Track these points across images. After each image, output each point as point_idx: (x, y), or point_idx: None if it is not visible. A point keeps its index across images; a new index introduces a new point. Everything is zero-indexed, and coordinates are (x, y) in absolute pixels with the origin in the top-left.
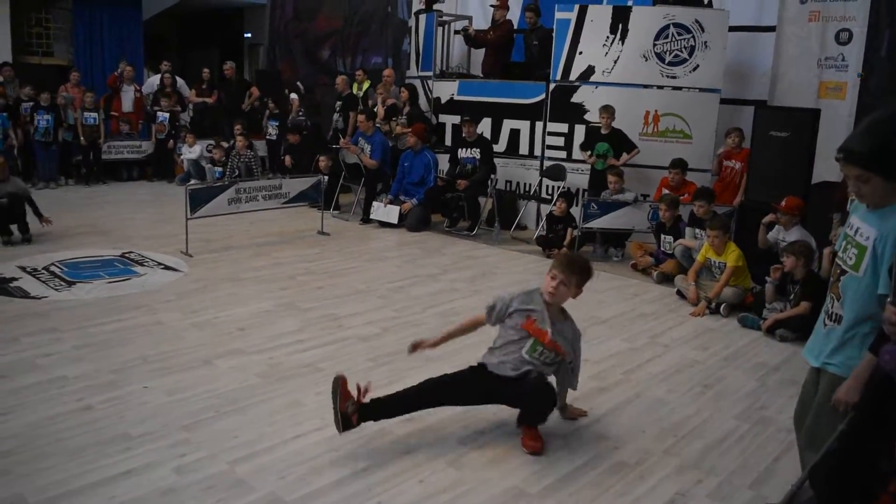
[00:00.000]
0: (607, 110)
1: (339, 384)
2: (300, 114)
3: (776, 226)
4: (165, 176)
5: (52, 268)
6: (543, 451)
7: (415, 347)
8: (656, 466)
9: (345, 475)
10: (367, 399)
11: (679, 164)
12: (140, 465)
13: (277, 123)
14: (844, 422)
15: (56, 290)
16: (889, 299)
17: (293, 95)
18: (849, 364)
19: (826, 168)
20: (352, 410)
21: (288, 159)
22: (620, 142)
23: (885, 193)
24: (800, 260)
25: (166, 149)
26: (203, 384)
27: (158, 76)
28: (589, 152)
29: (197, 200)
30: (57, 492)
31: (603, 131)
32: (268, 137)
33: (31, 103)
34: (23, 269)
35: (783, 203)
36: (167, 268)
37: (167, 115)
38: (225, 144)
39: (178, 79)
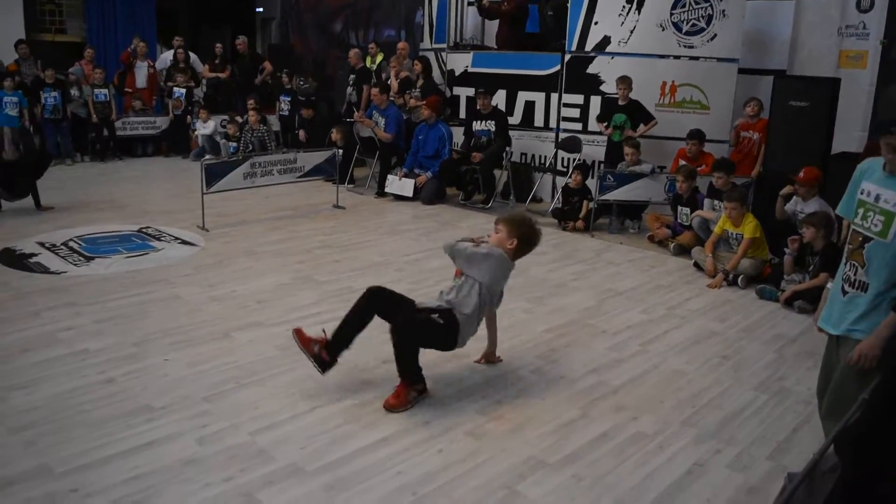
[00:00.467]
0: (624, 81)
1: (297, 336)
2: (301, 84)
3: (794, 197)
4: (180, 151)
5: (71, 243)
6: (400, 409)
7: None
8: (675, 437)
9: (364, 445)
10: (329, 336)
11: (696, 136)
12: (162, 436)
13: (290, 98)
14: (867, 390)
15: (75, 265)
16: None
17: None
18: (870, 328)
19: (845, 138)
20: (318, 349)
21: (302, 133)
22: (638, 113)
23: None
24: (819, 231)
25: (183, 124)
26: (223, 356)
27: (171, 52)
28: (606, 123)
29: (212, 175)
30: (81, 462)
31: (620, 102)
32: (280, 113)
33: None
34: (42, 244)
35: (801, 174)
36: (184, 242)
37: (183, 90)
38: (239, 119)
39: (191, 54)
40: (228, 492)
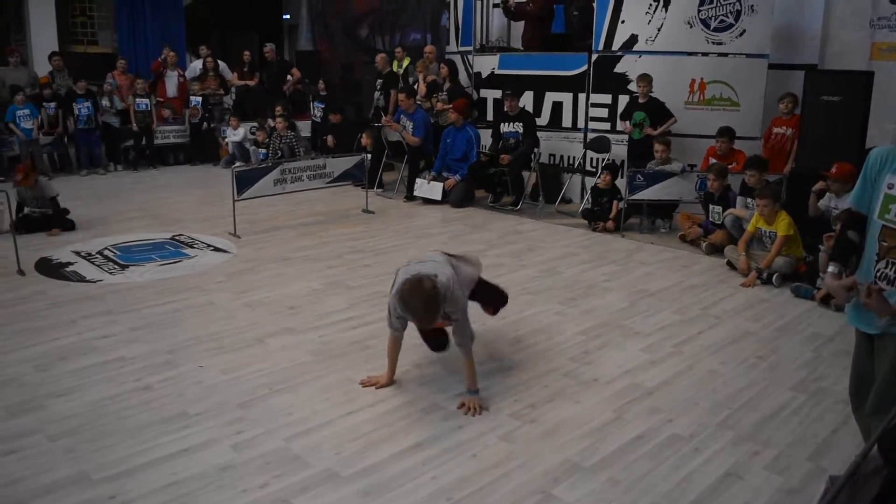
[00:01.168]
0: (644, 79)
1: None
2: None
3: (827, 193)
4: (206, 159)
5: (106, 252)
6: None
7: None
8: (711, 439)
9: (399, 450)
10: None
11: (726, 133)
12: (198, 442)
13: (323, 106)
14: None
15: (110, 273)
16: None
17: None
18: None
19: (879, 133)
20: None
21: (330, 139)
22: (657, 111)
23: None
24: None
25: (201, 132)
26: (256, 363)
27: (201, 61)
28: (628, 121)
29: (243, 182)
30: (119, 469)
31: (640, 100)
32: (313, 119)
33: (81, 93)
34: (77, 253)
35: (833, 170)
36: (216, 249)
37: (199, 98)
38: (271, 122)
39: (219, 62)
40: (264, 498)
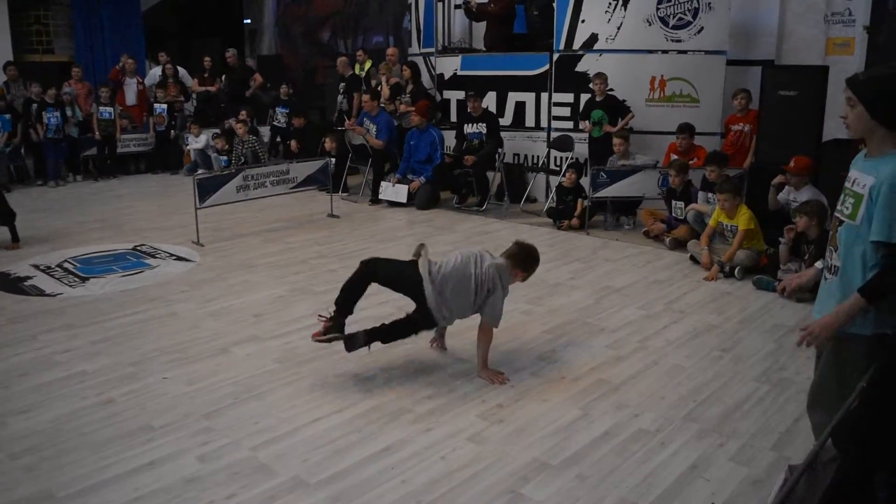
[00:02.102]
0: (600, 77)
1: (317, 338)
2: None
3: (786, 186)
4: (169, 167)
5: (66, 264)
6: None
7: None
8: (677, 432)
9: (367, 455)
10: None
11: (686, 129)
12: (163, 455)
13: (287, 110)
14: (864, 378)
15: (70, 286)
16: None
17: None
18: None
19: (836, 126)
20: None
21: (294, 143)
22: (615, 107)
23: (868, 130)
24: (813, 219)
25: (168, 140)
26: (221, 372)
27: (160, 67)
28: (587, 121)
29: (205, 190)
30: (83, 485)
31: (598, 98)
32: (275, 124)
33: (37, 102)
34: (36, 266)
35: (792, 163)
36: (179, 258)
37: (164, 106)
38: (233, 123)
39: (179, 69)
40: None
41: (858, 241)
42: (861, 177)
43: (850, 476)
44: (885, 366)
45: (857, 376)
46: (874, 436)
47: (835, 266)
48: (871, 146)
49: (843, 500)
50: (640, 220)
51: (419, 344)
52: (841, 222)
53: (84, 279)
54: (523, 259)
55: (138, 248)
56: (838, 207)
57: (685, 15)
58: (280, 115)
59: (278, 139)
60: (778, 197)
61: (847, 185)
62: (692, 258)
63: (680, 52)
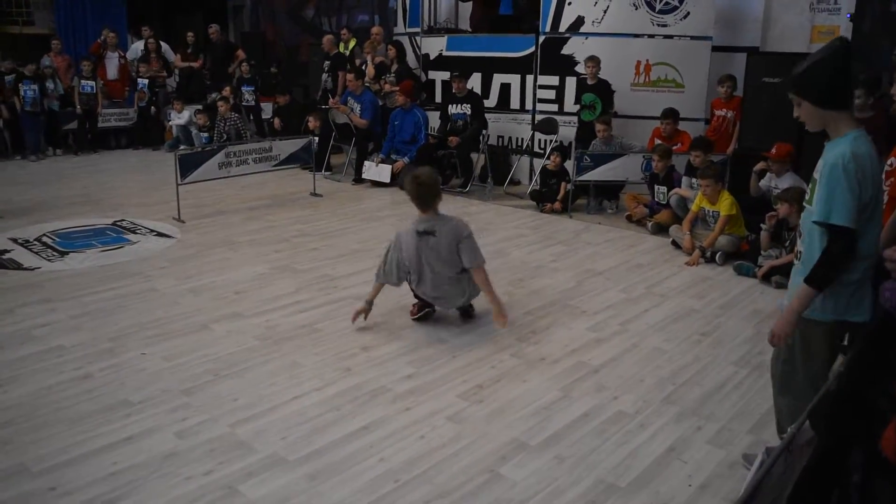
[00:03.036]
0: (593, 60)
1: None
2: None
3: (768, 174)
4: (151, 143)
5: (45, 238)
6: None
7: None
8: (656, 415)
9: (346, 433)
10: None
11: (671, 115)
12: (141, 430)
13: (253, 89)
14: (842, 362)
15: (49, 260)
16: None
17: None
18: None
19: None
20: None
21: (277, 121)
22: (607, 93)
23: (821, 120)
24: (794, 206)
25: (149, 115)
26: (201, 349)
27: (142, 42)
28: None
29: (187, 166)
30: (59, 460)
31: (589, 82)
32: (244, 104)
33: (13, 75)
34: (14, 240)
35: (773, 150)
36: (160, 234)
37: (146, 81)
38: (215, 98)
39: (162, 44)
40: (209, 485)
41: (815, 225)
42: (820, 164)
43: (825, 458)
44: (860, 350)
45: (820, 361)
46: (849, 418)
47: (799, 252)
48: (830, 131)
49: (819, 481)
50: (622, 204)
51: (398, 322)
52: (804, 208)
53: (63, 253)
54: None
55: (118, 223)
56: (807, 198)
57: (672, 0)
58: (246, 94)
59: (251, 117)
60: (759, 184)
61: (814, 174)
62: (674, 243)
63: (666, 36)
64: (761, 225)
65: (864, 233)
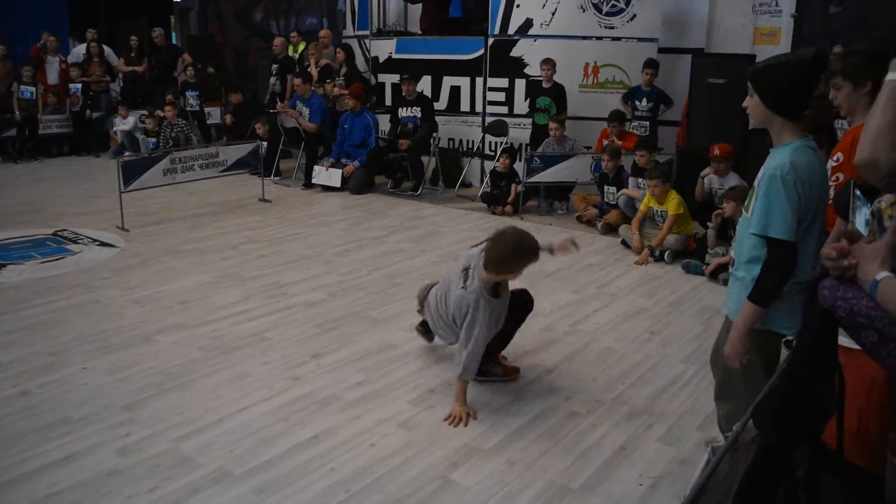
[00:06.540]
0: (548, 63)
1: None
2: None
3: (709, 176)
4: (93, 150)
5: None
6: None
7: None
8: (607, 414)
9: (295, 444)
10: None
11: (617, 117)
12: (82, 448)
13: (198, 94)
14: (785, 360)
15: None
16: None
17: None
18: (736, 309)
19: None
20: None
21: (229, 118)
22: (562, 97)
23: (766, 120)
24: (739, 204)
25: (84, 121)
26: (144, 362)
27: (84, 45)
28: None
29: (130, 173)
30: None
31: (544, 85)
32: (189, 108)
33: None
34: None
35: (716, 150)
36: (103, 244)
37: (79, 86)
38: (160, 114)
39: (105, 48)
40: (154, 503)
41: (747, 233)
42: (761, 171)
43: (769, 454)
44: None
45: (755, 368)
46: (791, 415)
47: (733, 259)
48: (772, 136)
49: (764, 476)
50: (573, 205)
51: (349, 329)
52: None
53: (0, 266)
54: (497, 261)
55: (59, 233)
56: (746, 201)
57: (618, 2)
58: (191, 99)
59: (196, 122)
60: (704, 184)
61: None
62: (623, 242)
63: (613, 38)
64: (708, 223)
65: (802, 247)
